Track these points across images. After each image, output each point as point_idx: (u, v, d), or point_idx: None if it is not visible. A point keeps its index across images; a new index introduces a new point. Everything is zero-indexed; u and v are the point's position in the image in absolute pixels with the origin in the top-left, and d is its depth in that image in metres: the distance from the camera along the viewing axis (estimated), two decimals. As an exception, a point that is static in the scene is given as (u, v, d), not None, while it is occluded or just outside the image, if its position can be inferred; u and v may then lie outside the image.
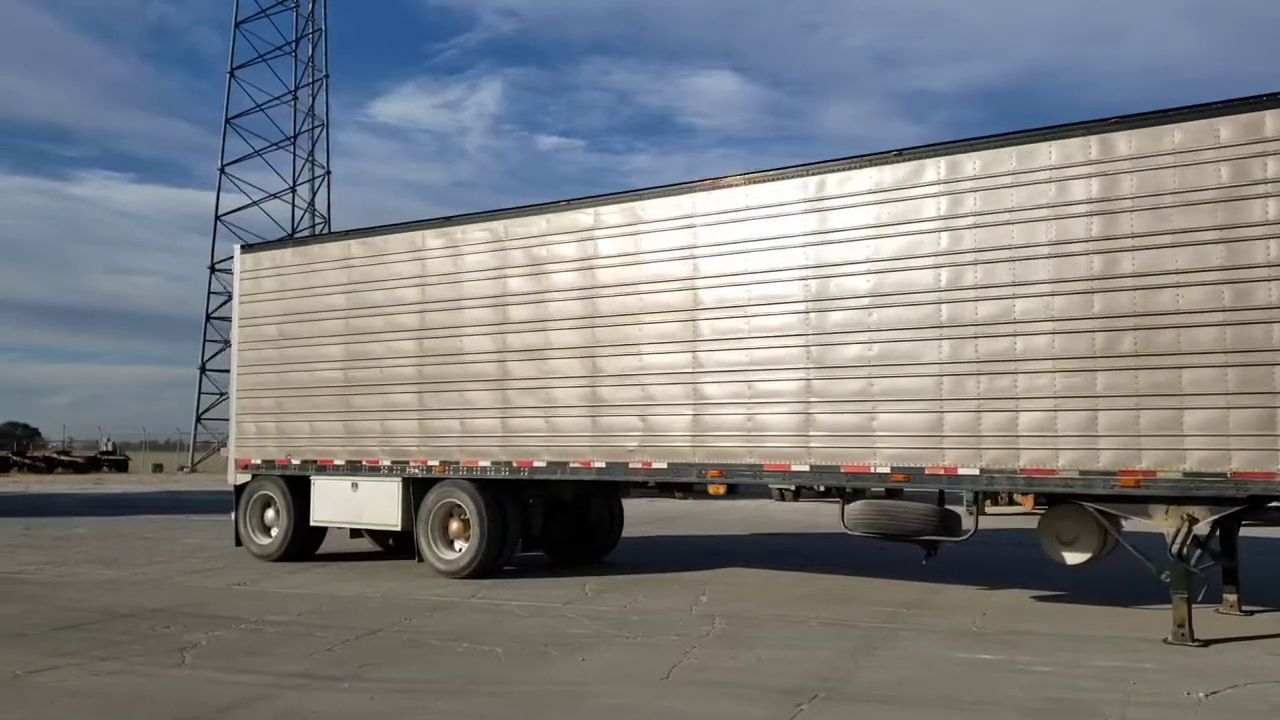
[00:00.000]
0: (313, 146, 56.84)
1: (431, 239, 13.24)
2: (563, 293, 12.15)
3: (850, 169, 10.54)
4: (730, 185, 11.21)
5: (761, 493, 28.71)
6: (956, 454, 9.84)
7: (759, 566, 13.83)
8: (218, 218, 55.19)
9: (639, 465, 11.61)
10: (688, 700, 7.05)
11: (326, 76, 57.11)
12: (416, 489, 13.20)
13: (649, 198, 11.78)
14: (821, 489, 26.53)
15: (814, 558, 14.88)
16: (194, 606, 10.79)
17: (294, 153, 56.75)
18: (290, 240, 14.38)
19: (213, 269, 55.21)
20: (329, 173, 56.47)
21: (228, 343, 55.47)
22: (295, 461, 14.22)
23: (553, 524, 13.82)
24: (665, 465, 11.44)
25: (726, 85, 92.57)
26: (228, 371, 55.43)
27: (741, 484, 13.94)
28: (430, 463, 13.04)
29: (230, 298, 54.04)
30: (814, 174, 10.73)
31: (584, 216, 12.17)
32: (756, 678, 7.66)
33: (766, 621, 9.84)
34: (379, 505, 13.48)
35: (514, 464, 12.43)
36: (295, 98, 57.09)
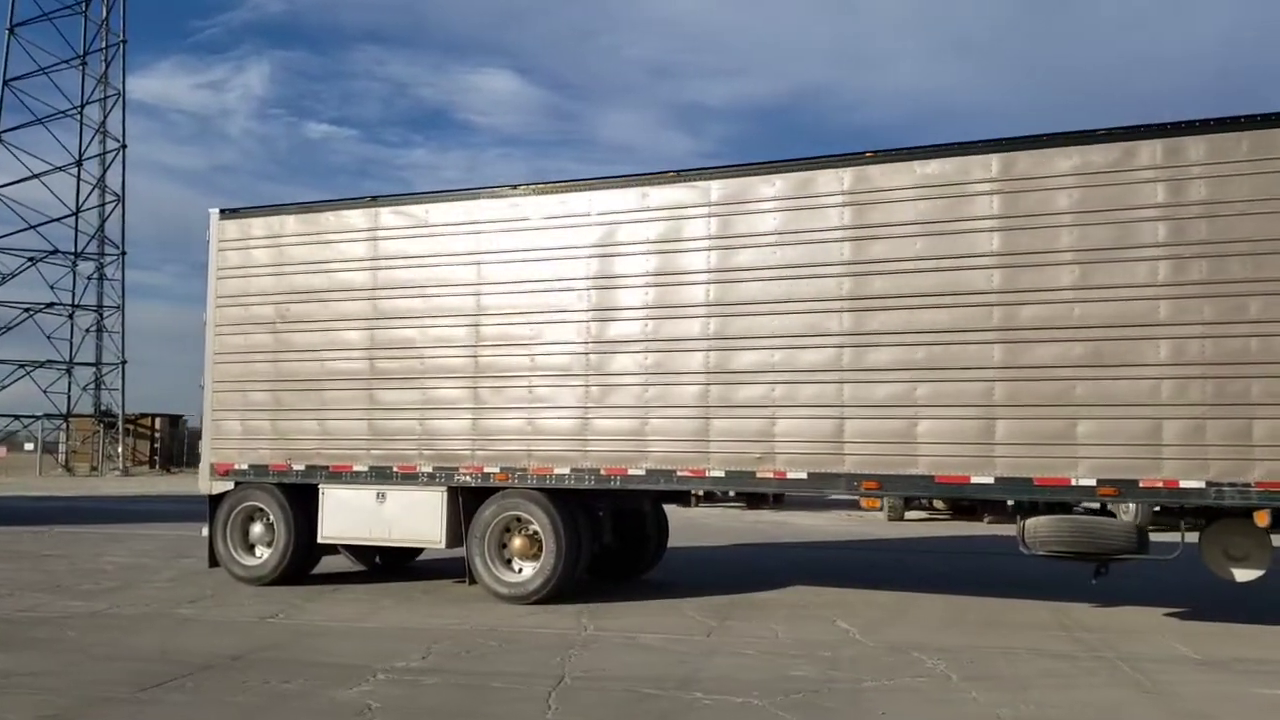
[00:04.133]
0: (104, 117, 51.50)
1: (493, 209, 11.37)
2: (681, 275, 10.60)
3: (1046, 147, 9.53)
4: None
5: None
6: (1177, 465, 8.96)
7: (828, 585, 12.53)
8: (-10, 190, 49.15)
9: (769, 474, 10.21)
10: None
11: (124, 41, 51.85)
12: (467, 500, 11.30)
13: (766, 173, 10.43)
14: (731, 495, 25.99)
15: (861, 573, 13.78)
16: (268, 651, 8.64)
17: (81, 122, 51.29)
18: (293, 205, 12.06)
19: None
20: (124, 146, 51.28)
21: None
22: (298, 467, 11.98)
23: (611, 538, 12.18)
24: (804, 475, 10.08)
25: (507, 85, 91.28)
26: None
27: (898, 496, 12.59)
28: (488, 470, 11.17)
29: (4, 280, 48.13)
30: (1001, 151, 9.66)
31: (688, 191, 10.68)
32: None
33: (967, 653, 8.63)
34: (415, 519, 11.48)
35: (601, 471, 10.76)
36: (84, 63, 51.64)
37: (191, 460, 52.39)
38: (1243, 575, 9.66)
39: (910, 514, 23.89)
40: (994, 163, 9.64)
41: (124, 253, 49.97)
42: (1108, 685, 7.66)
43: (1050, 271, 9.38)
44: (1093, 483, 9.18)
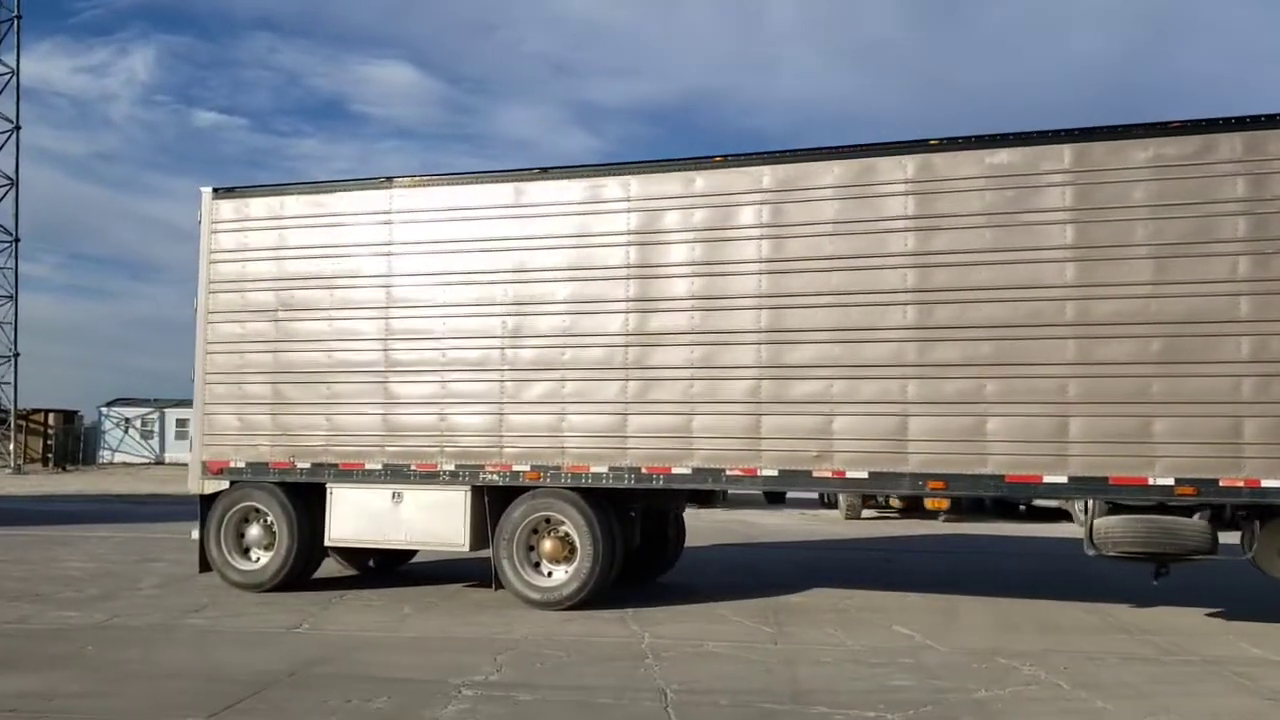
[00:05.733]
0: (-4, 96, 48.75)
1: (524, 193, 10.73)
2: (730, 264, 10.10)
3: (1120, 139, 9.29)
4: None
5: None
6: (1259, 464, 8.78)
7: (845, 587, 12.15)
8: None
9: (826, 473, 9.79)
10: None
11: (18, 17, 49.18)
12: (493, 500, 10.65)
13: (824, 159, 10.01)
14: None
15: (868, 574, 13.46)
16: (321, 665, 7.90)
17: (-30, 101, 48.50)
18: (295, 185, 11.23)
19: None
20: (19, 128, 48.63)
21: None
22: (303, 465, 11.16)
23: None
24: (865, 474, 9.68)
25: (402, 77, 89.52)
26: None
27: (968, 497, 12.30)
28: (517, 468, 10.54)
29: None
30: (1074, 141, 9.39)
31: (739, 177, 10.22)
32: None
33: (1053, 659, 8.33)
34: (435, 521, 10.77)
35: (643, 470, 10.22)
36: (-26, 38, 48.88)
37: (88, 458, 50.09)
38: (1299, 576, 9.56)
39: (865, 512, 23.90)
40: (1066, 153, 9.37)
41: (17, 240, 47.52)
42: (1227, 692, 7.41)
43: (1126, 265, 9.14)
44: (1170, 482, 8.96)
